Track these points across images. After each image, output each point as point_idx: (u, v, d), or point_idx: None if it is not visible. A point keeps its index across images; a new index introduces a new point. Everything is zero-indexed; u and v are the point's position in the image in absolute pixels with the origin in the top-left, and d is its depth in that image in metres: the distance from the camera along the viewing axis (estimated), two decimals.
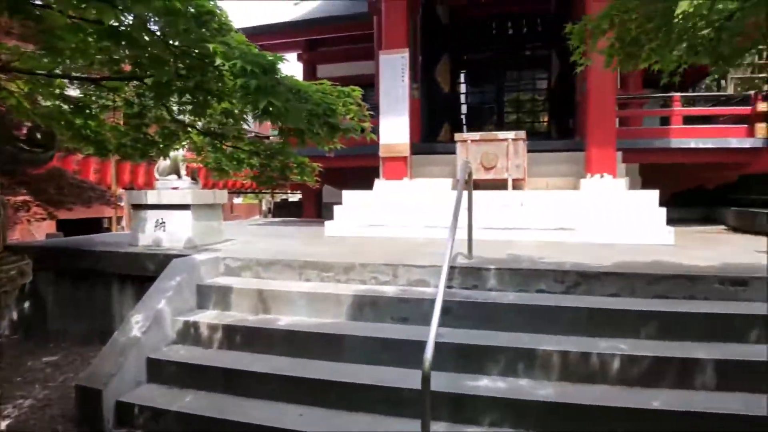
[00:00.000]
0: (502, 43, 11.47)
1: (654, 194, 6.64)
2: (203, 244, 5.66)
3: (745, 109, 8.28)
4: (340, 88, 2.89)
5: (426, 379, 2.60)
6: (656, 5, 3.04)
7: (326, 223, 7.19)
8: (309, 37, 13.63)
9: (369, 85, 11.83)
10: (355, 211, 7.26)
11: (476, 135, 7.63)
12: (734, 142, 8.07)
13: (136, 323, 4.01)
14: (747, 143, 8.02)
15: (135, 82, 2.96)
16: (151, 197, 5.66)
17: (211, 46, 2.15)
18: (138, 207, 5.74)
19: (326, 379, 3.43)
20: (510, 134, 7.47)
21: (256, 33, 13.32)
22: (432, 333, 2.78)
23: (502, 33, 11.22)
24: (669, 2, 2.91)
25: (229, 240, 6.42)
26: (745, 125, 8.15)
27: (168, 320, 4.16)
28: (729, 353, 3.27)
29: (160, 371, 3.87)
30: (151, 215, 5.68)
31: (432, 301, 3.78)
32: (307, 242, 6.47)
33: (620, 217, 6.39)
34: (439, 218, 6.72)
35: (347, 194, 7.57)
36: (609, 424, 2.96)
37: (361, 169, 9.09)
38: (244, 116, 2.94)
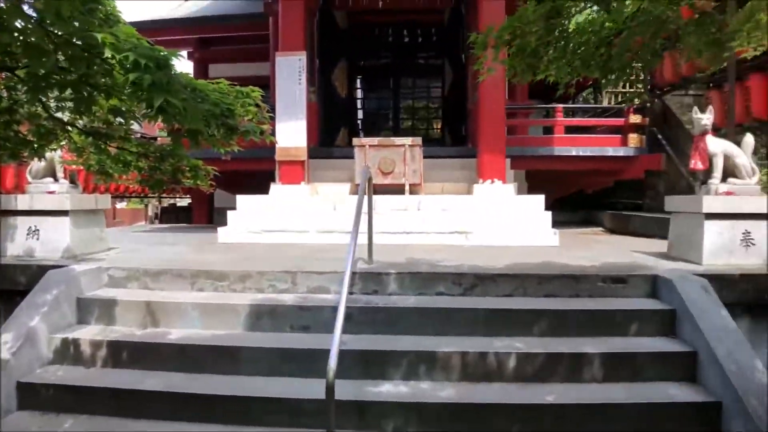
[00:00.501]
0: (397, 50, 11.71)
1: (540, 199, 7.05)
2: (84, 253, 5.17)
3: (619, 121, 9.05)
4: (238, 88, 2.73)
5: (330, 389, 2.53)
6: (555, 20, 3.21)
7: (219, 229, 6.87)
8: (201, 35, 13.04)
9: (263, 86, 11.49)
10: (251, 217, 7.01)
11: (374, 140, 7.68)
12: (610, 151, 8.79)
13: (4, 344, 3.56)
14: (621, 152, 8.77)
15: (4, 73, 2.60)
16: (22, 202, 5.08)
17: (99, 36, 1.92)
18: (6, 213, 5.12)
19: (223, 394, 3.24)
20: (407, 140, 7.60)
21: (143, 28, 12.50)
22: (335, 341, 2.71)
23: (398, 41, 11.44)
24: (564, 18, 3.09)
25: (113, 248, 5.93)
26: (620, 135, 8.90)
27: (43, 339, 3.73)
28: (613, 346, 3.51)
29: (33, 396, 3.45)
30: (23, 222, 5.10)
31: (333, 308, 3.72)
32: (199, 250, 6.14)
33: (510, 220, 6.71)
34: (337, 223, 6.67)
35: (242, 199, 7.30)
36: (508, 421, 3.06)
37: (256, 172, 8.81)
38: (135, 115, 2.70)
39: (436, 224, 6.67)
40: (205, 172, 3.25)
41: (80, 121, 2.48)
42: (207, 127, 2.23)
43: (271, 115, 3.24)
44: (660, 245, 6.21)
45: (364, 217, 4.40)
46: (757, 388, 3.08)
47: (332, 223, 6.69)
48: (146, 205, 16.44)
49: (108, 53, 2.00)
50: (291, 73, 7.77)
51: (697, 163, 5.22)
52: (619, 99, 14.13)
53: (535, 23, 3.30)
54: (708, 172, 5.23)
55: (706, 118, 5.19)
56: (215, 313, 3.95)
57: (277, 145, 7.62)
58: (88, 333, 3.86)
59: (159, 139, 7.72)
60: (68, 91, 2.29)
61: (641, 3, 3.10)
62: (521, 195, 7.68)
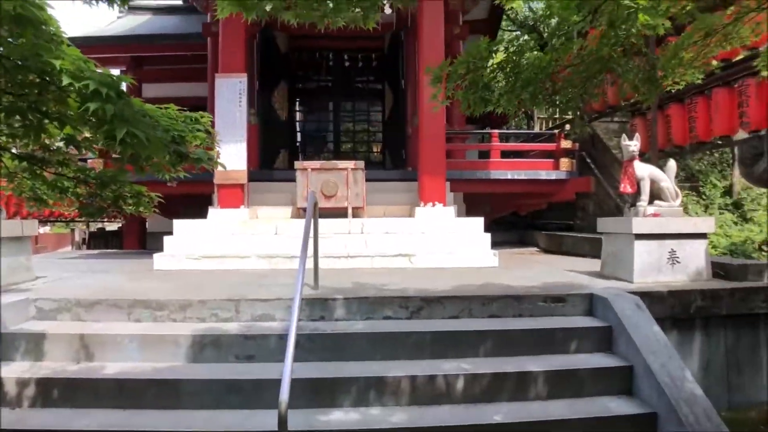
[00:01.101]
0: (338, 74, 11.80)
1: (480, 221, 7.24)
2: (8, 284, 4.83)
3: (551, 146, 9.48)
4: (188, 114, 2.66)
5: (283, 422, 2.47)
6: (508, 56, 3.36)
7: (155, 256, 6.60)
8: (135, 53, 12.67)
9: (199, 107, 11.24)
10: (189, 242, 6.79)
11: (317, 163, 7.67)
12: (543, 174, 9.16)
13: None
14: (553, 175, 9.16)
15: None
16: None
17: (57, 63, 1.82)
18: None
19: (165, 431, 3.10)
20: (350, 163, 7.63)
21: (75, 44, 12.02)
22: (286, 373, 2.65)
23: (338, 64, 11.54)
24: (518, 54, 3.23)
25: (40, 277, 5.59)
26: (552, 159, 9.31)
27: None
28: (554, 364, 3.63)
29: None
30: None
31: (279, 336, 3.68)
32: (134, 277, 5.88)
33: (452, 242, 6.84)
34: (279, 248, 6.59)
35: (179, 224, 7.07)
36: None
37: (193, 196, 8.57)
38: (92, 146, 2.57)
39: (380, 247, 6.70)
40: (148, 198, 3.12)
41: (13, 146, 2.33)
42: (150, 144, 2.15)
43: (219, 139, 3.19)
44: (592, 264, 6.49)
45: (309, 242, 4.37)
46: (688, 397, 3.27)
47: (274, 248, 6.60)
48: (72, 230, 15.54)
49: (65, 80, 1.89)
50: (231, 95, 7.66)
51: (626, 187, 5.53)
52: (550, 125, 14.85)
53: (487, 59, 3.44)
54: (636, 195, 5.55)
55: (634, 145, 5.52)
56: (155, 345, 3.79)
57: (216, 168, 7.48)
58: (14, 371, 3.60)
59: (89, 161, 7.41)
60: (16, 118, 2.16)
61: (585, 44, 3.31)
62: (461, 217, 7.86)
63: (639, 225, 5.19)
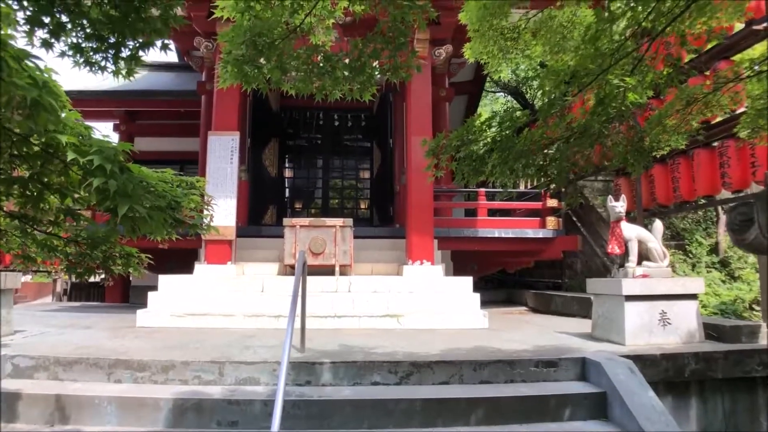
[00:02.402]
0: (328, 132, 12.00)
1: (468, 281, 7.21)
2: None
3: (537, 204, 9.58)
4: (184, 178, 2.66)
5: None
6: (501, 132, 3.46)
7: (138, 312, 6.45)
8: (129, 108, 12.84)
9: (190, 161, 11.39)
10: (173, 299, 6.66)
11: (305, 220, 7.66)
12: (530, 233, 9.22)
13: None
14: (540, 233, 9.22)
15: None
16: None
17: (63, 139, 1.82)
18: None
19: None
20: (338, 221, 7.63)
21: (70, 97, 12.11)
22: None
23: (328, 123, 11.76)
24: (510, 129, 3.32)
25: (19, 331, 5.43)
26: (539, 218, 9.40)
27: None
28: None
29: None
30: None
31: (264, 402, 3.57)
32: (117, 334, 5.72)
33: (441, 302, 6.78)
34: (265, 306, 6.48)
35: (164, 279, 6.96)
36: None
37: (179, 250, 8.46)
38: (92, 218, 2.54)
39: (368, 307, 6.62)
40: (138, 260, 3.07)
41: (5, 203, 2.30)
42: (151, 220, 2.13)
43: (215, 203, 3.18)
44: (583, 325, 6.46)
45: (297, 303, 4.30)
46: None
47: (260, 307, 6.49)
48: (55, 280, 15.17)
49: (70, 156, 1.89)
50: (223, 152, 7.72)
51: (614, 248, 5.58)
52: (535, 183, 15.05)
53: (482, 134, 3.54)
54: (624, 256, 5.59)
55: (620, 206, 5.61)
56: (134, 408, 3.64)
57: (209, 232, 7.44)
58: None
59: (83, 222, 7.31)
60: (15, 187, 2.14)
61: (579, 119, 3.42)
62: (450, 276, 7.82)
63: (629, 287, 5.20)
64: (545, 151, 3.66)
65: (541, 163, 3.71)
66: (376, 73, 3.19)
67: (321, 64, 3.07)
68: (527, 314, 9.05)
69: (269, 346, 4.73)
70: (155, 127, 13.23)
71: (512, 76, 22.91)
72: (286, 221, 7.58)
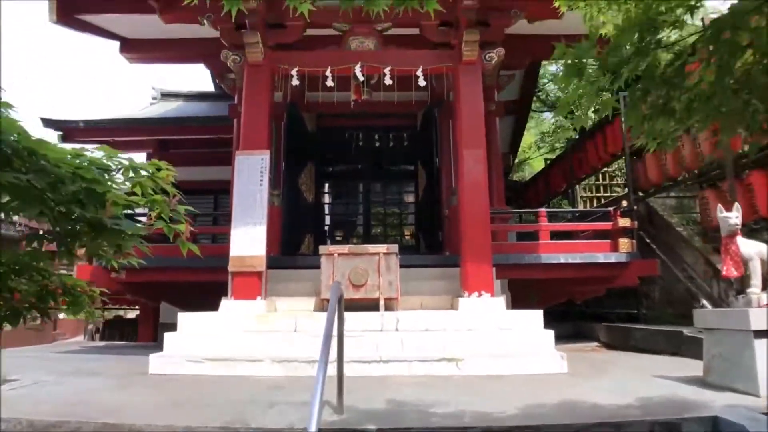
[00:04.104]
0: (368, 153, 11.11)
1: (538, 315, 6.09)
2: None
3: (607, 225, 8.37)
4: (122, 159, 1.75)
5: None
6: None
7: (151, 357, 5.55)
8: (161, 136, 12.39)
9: (224, 191, 10.72)
10: (192, 340, 5.77)
11: (344, 248, 6.72)
12: (601, 257, 8.00)
13: None
14: (613, 258, 7.98)
15: None
16: None
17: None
18: None
19: None
20: (381, 248, 6.66)
21: (102, 127, 11.80)
22: None
23: (368, 144, 10.88)
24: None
25: (12, 380, 4.66)
26: (609, 240, 8.19)
27: None
28: None
29: None
30: None
31: None
32: (122, 383, 4.87)
33: (506, 342, 5.67)
34: (298, 349, 5.53)
35: (184, 318, 6.10)
36: None
37: (208, 284, 7.66)
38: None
39: (419, 348, 5.54)
40: (90, 295, 2.17)
41: None
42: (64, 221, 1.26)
43: (193, 210, 2.30)
44: (678, 365, 5.32)
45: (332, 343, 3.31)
46: None
47: (292, 350, 5.53)
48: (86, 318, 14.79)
49: None
50: (252, 173, 6.89)
51: (730, 270, 4.41)
52: (595, 204, 13.77)
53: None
54: (743, 279, 4.41)
55: (735, 218, 4.45)
56: None
57: (230, 254, 6.61)
58: None
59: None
60: None
61: None
62: (514, 310, 6.68)
63: (758, 318, 4.00)
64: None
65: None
66: None
67: None
68: (602, 351, 7.80)
69: (300, 402, 3.73)
70: (188, 156, 12.79)
71: (560, 94, 21.81)
72: (322, 249, 6.65)
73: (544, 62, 14.91)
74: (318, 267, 6.65)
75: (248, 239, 6.55)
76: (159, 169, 1.85)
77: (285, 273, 7.47)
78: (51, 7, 7.87)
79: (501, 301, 6.56)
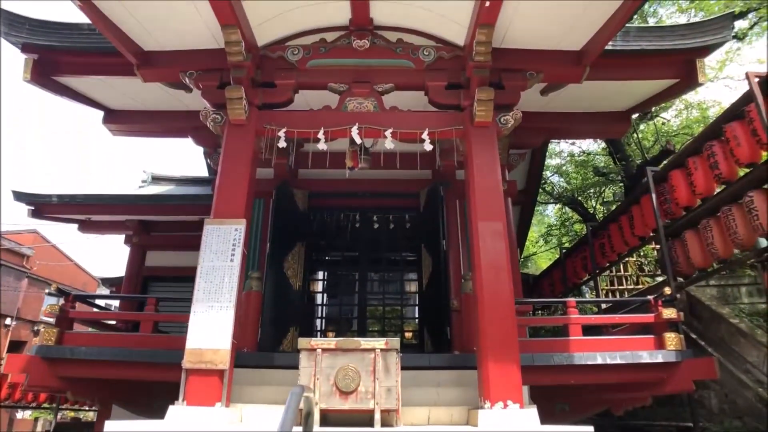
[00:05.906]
0: (366, 236, 9.91)
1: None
2: None
3: (647, 317, 6.93)
4: None
5: None
6: None
7: None
8: (142, 216, 11.30)
9: None
10: None
11: (331, 341, 5.31)
12: (645, 356, 6.50)
13: None
14: (660, 357, 6.46)
15: None
16: None
17: None
18: None
19: None
20: (378, 342, 5.27)
21: (75, 203, 10.74)
22: None
23: (366, 225, 9.70)
24: None
25: None
26: (652, 336, 6.73)
27: None
28: None
29: None
30: None
31: None
32: None
33: None
34: None
35: (112, 428, 4.62)
36: None
37: (163, 384, 6.17)
38: None
39: None
40: None
41: None
42: None
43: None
44: None
45: None
46: None
47: None
48: (36, 419, 12.59)
49: None
50: (222, 246, 5.67)
51: None
52: (626, 295, 12.36)
53: None
54: None
55: None
56: None
57: (186, 346, 5.22)
58: None
59: None
60: None
61: None
62: (551, 426, 5.13)
63: None
64: None
65: None
66: None
67: None
68: None
69: None
70: (171, 240, 11.68)
71: (565, 185, 21.04)
72: (302, 342, 5.22)
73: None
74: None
75: (210, 328, 5.19)
76: None
77: (259, 373, 6.04)
78: (26, 64, 7.10)
79: (533, 413, 5.06)
